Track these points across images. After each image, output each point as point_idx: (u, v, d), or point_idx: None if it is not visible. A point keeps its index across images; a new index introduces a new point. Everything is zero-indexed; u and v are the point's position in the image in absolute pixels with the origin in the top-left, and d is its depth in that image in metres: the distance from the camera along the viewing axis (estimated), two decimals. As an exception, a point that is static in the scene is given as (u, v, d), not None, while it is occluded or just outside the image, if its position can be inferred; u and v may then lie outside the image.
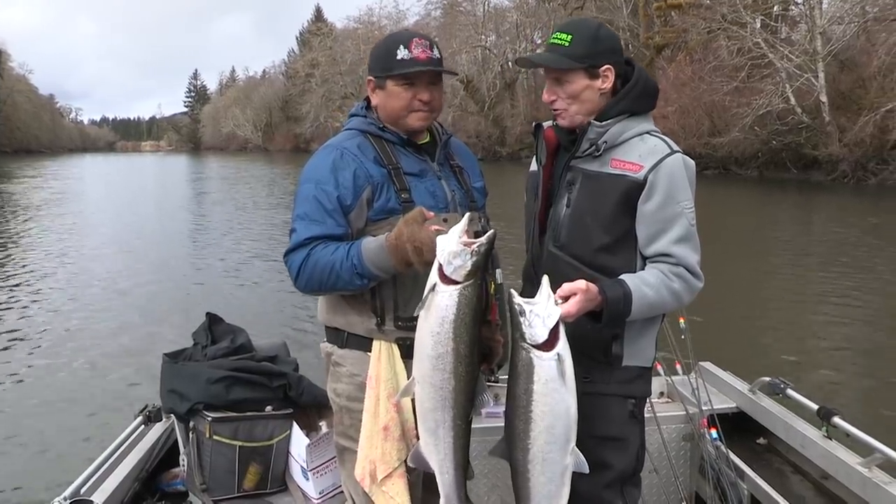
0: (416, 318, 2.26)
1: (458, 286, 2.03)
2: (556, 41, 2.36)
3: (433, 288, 2.04)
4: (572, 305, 2.07)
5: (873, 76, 27.64)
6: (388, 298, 2.39)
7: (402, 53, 2.37)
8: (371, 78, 2.48)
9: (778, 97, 29.69)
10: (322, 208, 2.32)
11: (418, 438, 2.28)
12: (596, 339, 2.37)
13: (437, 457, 2.20)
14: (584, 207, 2.39)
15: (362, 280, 2.28)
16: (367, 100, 2.57)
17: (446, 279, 2.03)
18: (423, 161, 2.47)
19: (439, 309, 2.04)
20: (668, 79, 33.27)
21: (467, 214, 2.15)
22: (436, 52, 2.41)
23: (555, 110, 2.43)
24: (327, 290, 2.38)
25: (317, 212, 2.33)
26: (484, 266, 2.07)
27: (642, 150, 2.34)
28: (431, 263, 2.08)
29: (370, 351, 2.42)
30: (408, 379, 2.35)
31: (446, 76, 2.52)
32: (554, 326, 1.99)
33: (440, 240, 2.06)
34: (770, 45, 30.93)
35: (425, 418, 2.18)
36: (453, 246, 2.02)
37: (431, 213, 2.23)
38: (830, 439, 3.24)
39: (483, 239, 2.06)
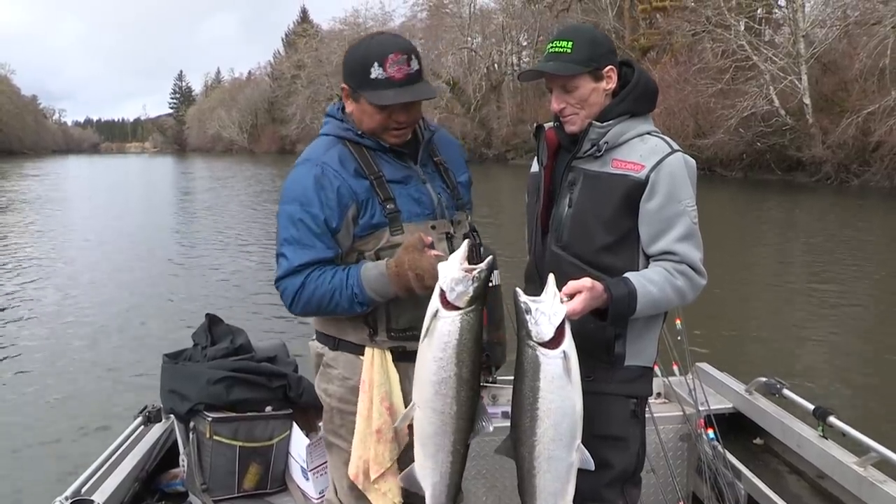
0: (408, 329, 2.31)
1: (461, 311, 2.05)
2: (557, 49, 2.37)
3: (435, 314, 2.06)
4: (578, 303, 2.09)
5: (855, 79, 27.89)
6: (381, 312, 2.36)
7: (376, 72, 2.23)
8: (344, 86, 2.36)
9: (762, 99, 29.88)
10: (310, 232, 2.28)
11: (411, 444, 2.28)
12: (598, 338, 2.38)
13: (433, 479, 2.21)
14: (586, 207, 2.41)
15: (362, 307, 2.28)
16: None
17: (449, 305, 2.04)
18: (405, 167, 2.40)
19: (442, 335, 2.06)
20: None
21: (466, 241, 2.16)
22: (414, 64, 2.27)
23: (564, 118, 2.44)
24: (323, 314, 2.39)
25: (305, 236, 2.28)
26: (484, 291, 2.09)
27: (643, 150, 2.36)
28: (432, 289, 2.09)
29: (362, 355, 2.40)
30: (400, 384, 2.38)
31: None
32: (560, 324, 2.01)
33: (442, 267, 2.07)
34: (754, 47, 31.16)
35: (425, 443, 2.19)
36: (455, 273, 2.04)
37: (430, 238, 2.24)
38: (826, 439, 3.27)
39: (483, 265, 2.08)
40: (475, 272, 2.05)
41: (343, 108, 2.43)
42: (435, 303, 2.06)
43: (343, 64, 2.36)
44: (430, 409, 2.13)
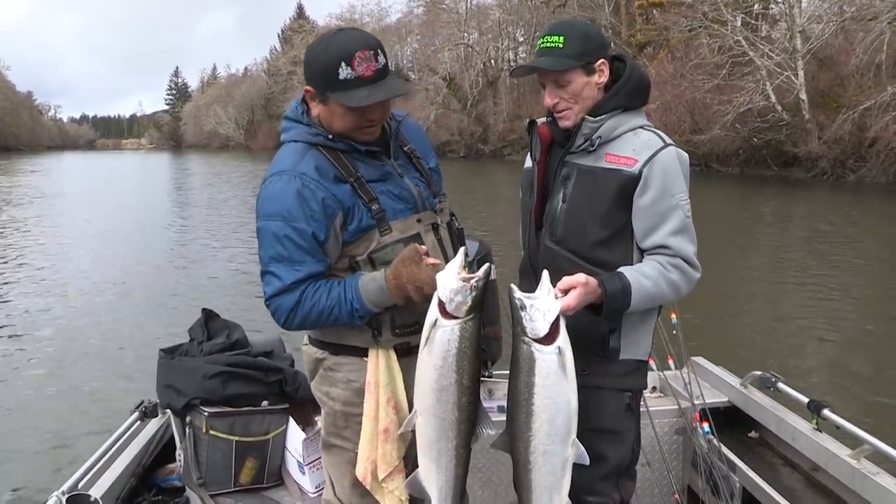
0: (413, 325, 2.31)
1: (460, 321, 2.06)
2: (549, 44, 2.38)
3: (434, 323, 2.07)
4: (572, 299, 2.11)
5: (851, 74, 27.92)
6: (385, 314, 2.33)
7: (345, 72, 2.14)
8: (309, 88, 2.27)
9: (758, 95, 29.91)
10: (298, 248, 2.22)
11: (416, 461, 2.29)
12: (593, 332, 2.39)
13: (438, 483, 2.22)
14: (580, 202, 2.41)
15: (362, 320, 2.28)
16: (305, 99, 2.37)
17: (447, 315, 2.05)
18: (381, 165, 2.34)
19: (442, 343, 2.07)
20: (649, 76, 33.36)
21: (462, 249, 2.16)
22: (381, 59, 2.19)
23: (558, 113, 2.44)
24: (319, 328, 2.38)
25: (295, 253, 2.22)
26: (482, 299, 2.09)
27: (636, 145, 2.37)
28: (431, 298, 2.09)
29: (366, 357, 2.39)
30: (404, 382, 2.38)
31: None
32: (554, 320, 2.02)
33: (440, 277, 2.07)
34: (751, 43, 31.19)
35: (428, 448, 2.19)
36: (454, 283, 2.04)
37: (425, 248, 2.25)
38: (820, 432, 3.28)
39: (480, 273, 2.08)
40: (473, 281, 2.05)
41: (306, 111, 2.35)
42: (434, 312, 2.07)
43: (305, 65, 2.26)
44: (433, 416, 2.14)
